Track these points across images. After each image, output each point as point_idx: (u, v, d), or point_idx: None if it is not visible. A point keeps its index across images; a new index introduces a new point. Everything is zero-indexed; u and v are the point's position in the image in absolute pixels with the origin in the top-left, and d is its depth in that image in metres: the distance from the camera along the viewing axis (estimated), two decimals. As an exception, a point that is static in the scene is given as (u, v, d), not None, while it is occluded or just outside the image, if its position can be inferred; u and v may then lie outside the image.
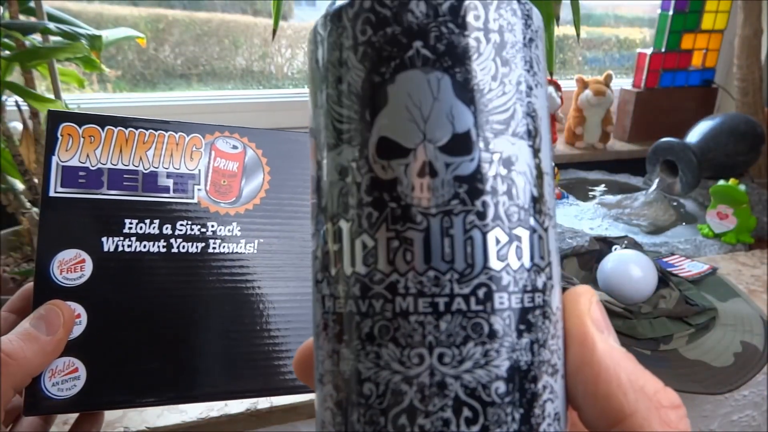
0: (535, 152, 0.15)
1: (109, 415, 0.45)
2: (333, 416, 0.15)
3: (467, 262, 0.14)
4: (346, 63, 0.15)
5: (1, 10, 0.55)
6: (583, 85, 1.09)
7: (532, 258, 0.14)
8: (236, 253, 0.32)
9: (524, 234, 0.14)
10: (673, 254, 0.74)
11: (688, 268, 0.69)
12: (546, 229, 0.15)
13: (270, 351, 0.32)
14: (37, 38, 0.58)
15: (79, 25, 0.56)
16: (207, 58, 1.01)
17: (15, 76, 0.60)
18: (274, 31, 0.58)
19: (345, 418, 0.14)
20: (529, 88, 0.15)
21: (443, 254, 0.14)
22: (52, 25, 0.53)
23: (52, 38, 0.56)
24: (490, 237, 0.14)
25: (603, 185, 1.05)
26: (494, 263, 0.14)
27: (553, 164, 0.16)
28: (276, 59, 1.06)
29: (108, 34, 0.62)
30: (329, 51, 0.15)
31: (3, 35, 0.53)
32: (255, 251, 0.32)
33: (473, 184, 0.14)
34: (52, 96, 0.58)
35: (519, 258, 0.14)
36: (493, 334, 0.14)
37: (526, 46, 0.15)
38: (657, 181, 0.98)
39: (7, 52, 0.55)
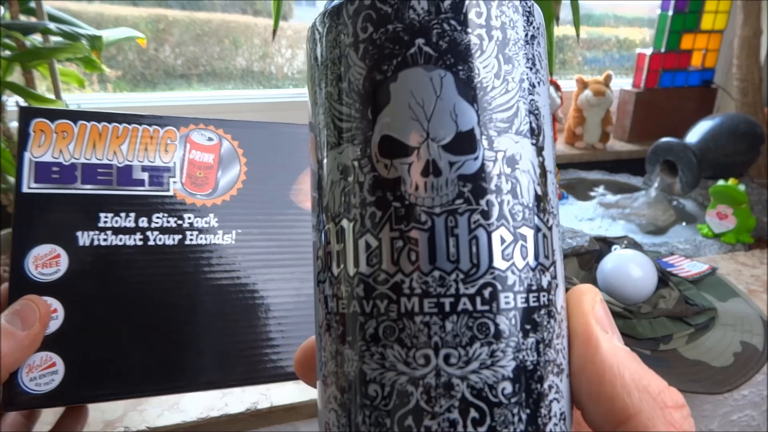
0: (539, 150, 0.15)
1: (110, 414, 0.45)
2: (337, 417, 0.14)
3: (472, 262, 0.14)
4: (347, 60, 0.15)
5: (2, 11, 0.55)
6: (583, 85, 1.09)
7: (536, 257, 0.14)
8: (214, 244, 0.32)
9: (529, 233, 0.14)
10: (672, 254, 0.74)
11: (688, 268, 0.69)
12: (550, 228, 0.15)
13: (252, 340, 0.32)
14: (37, 38, 0.58)
15: (79, 26, 0.56)
16: (207, 58, 1.00)
17: (15, 76, 0.60)
18: (274, 31, 0.58)
19: (350, 419, 0.14)
20: (532, 85, 0.15)
21: (448, 254, 0.13)
22: (52, 26, 0.52)
23: (53, 38, 0.56)
24: (495, 236, 0.14)
25: (603, 185, 1.05)
26: (499, 263, 0.14)
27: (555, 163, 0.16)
28: (276, 59, 1.06)
29: (108, 35, 0.61)
30: (329, 48, 0.15)
31: (3, 35, 0.53)
32: (233, 242, 0.32)
33: (477, 183, 0.14)
34: (52, 96, 0.58)
35: (524, 257, 0.14)
36: (499, 334, 0.13)
37: (529, 43, 0.15)
38: (657, 181, 0.98)
39: (8, 53, 0.55)
